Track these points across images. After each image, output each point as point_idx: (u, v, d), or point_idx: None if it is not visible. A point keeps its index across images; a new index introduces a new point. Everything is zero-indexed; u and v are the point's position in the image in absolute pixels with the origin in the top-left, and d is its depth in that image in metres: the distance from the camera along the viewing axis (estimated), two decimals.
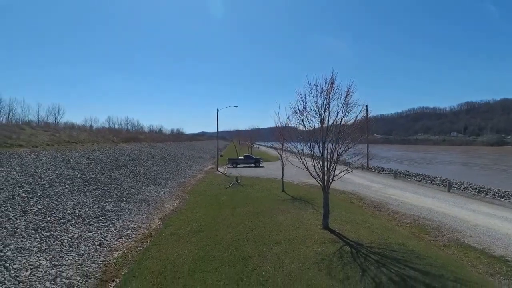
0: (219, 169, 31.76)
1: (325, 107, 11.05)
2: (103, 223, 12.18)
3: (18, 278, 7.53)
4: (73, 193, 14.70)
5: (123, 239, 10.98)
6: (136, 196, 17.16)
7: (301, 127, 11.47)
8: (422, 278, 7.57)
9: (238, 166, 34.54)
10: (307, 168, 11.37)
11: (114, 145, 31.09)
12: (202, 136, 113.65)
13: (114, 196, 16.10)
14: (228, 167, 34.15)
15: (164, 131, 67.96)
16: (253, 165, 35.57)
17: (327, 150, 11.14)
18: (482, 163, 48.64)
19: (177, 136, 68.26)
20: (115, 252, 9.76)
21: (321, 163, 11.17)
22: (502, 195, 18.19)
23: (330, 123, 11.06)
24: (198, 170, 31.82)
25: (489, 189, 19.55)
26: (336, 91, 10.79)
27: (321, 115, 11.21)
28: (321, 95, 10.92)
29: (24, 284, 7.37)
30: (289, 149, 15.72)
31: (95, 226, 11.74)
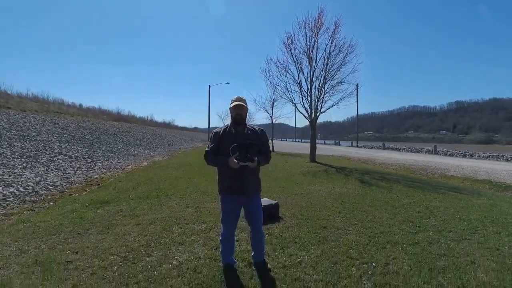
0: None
1: (314, 43, 11.20)
2: (91, 161, 12.11)
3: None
4: (61, 142, 14.55)
5: (111, 169, 10.94)
6: (125, 152, 17.06)
7: (291, 63, 11.56)
8: (403, 179, 7.77)
9: None
10: (294, 103, 11.52)
11: (104, 121, 30.76)
12: (194, 130, 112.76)
13: (103, 149, 15.99)
14: None
15: (156, 120, 67.10)
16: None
17: (314, 85, 11.31)
18: None
19: (169, 125, 67.49)
20: (102, 175, 9.73)
21: (309, 98, 11.32)
22: (487, 156, 18.65)
23: (318, 58, 11.22)
24: (189, 147, 31.74)
25: (474, 153, 20.01)
26: (324, 25, 10.95)
27: (309, 53, 11.36)
28: (309, 29, 11.06)
29: (7, 182, 7.31)
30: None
31: (83, 162, 11.66)
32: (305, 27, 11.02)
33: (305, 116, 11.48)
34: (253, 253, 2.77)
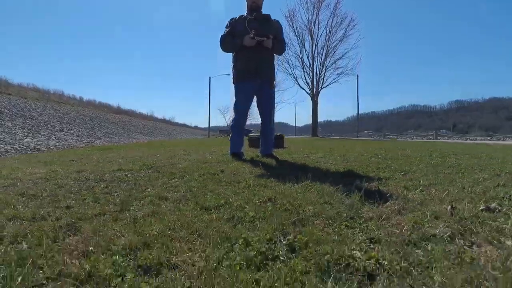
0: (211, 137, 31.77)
1: (316, 19, 11.16)
2: (92, 138, 12.09)
3: (1, 140, 7.46)
4: (63, 123, 14.53)
5: (113, 143, 10.92)
6: (125, 136, 17.05)
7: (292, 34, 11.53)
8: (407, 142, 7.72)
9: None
10: (296, 79, 11.49)
11: (104, 113, 30.72)
12: (195, 128, 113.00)
13: (104, 132, 15.98)
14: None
15: (156, 116, 67.07)
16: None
17: (316, 61, 11.27)
18: None
19: (169, 122, 67.38)
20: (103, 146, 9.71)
21: (311, 73, 11.28)
22: (489, 140, 18.61)
23: (320, 34, 11.17)
24: (189, 137, 31.76)
25: (475, 138, 19.99)
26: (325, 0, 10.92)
27: (311, 28, 11.31)
28: (311, 4, 11.02)
29: (9, 142, 7.29)
30: None
31: (83, 138, 11.65)
32: (306, 2, 11.00)
33: (307, 92, 11.48)
34: (261, 148, 2.74)
